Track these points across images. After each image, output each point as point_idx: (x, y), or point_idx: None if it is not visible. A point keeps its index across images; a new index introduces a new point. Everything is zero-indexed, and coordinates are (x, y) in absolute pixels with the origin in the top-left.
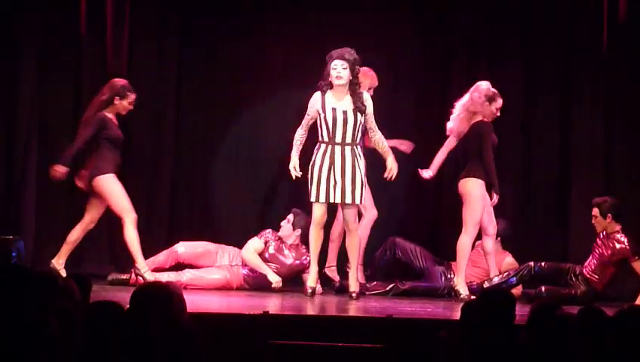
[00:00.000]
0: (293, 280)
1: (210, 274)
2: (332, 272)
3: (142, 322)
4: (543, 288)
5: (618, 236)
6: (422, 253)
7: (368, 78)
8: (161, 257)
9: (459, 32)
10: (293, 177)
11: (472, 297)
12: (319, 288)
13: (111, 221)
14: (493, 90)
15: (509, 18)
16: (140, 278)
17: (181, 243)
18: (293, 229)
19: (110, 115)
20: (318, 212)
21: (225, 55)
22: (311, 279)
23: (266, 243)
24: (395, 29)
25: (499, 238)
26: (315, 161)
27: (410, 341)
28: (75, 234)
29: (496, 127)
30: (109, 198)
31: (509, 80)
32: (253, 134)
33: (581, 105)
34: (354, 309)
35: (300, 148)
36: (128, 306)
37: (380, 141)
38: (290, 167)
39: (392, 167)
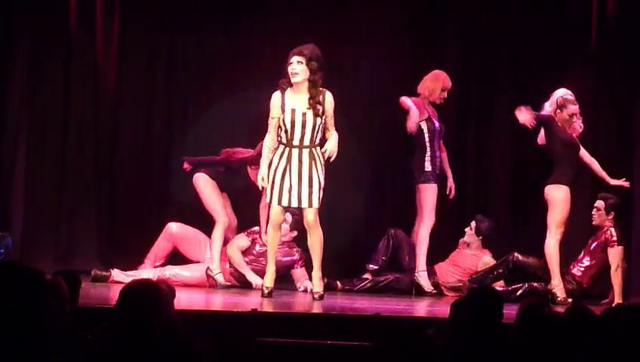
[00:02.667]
0: (282, 277)
1: (193, 270)
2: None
3: (130, 319)
4: (526, 285)
5: (611, 226)
6: (413, 250)
7: (440, 80)
8: (157, 243)
9: (449, 31)
10: (260, 188)
11: (463, 293)
12: (309, 286)
13: (99, 218)
14: (566, 97)
15: (499, 17)
16: (212, 279)
17: (172, 223)
18: (290, 230)
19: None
20: (275, 214)
21: (217, 50)
22: (268, 279)
23: (253, 240)
24: (385, 29)
25: (480, 237)
26: (272, 161)
27: (398, 339)
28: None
29: (487, 127)
30: None
31: (499, 77)
32: (245, 129)
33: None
34: (342, 307)
35: (271, 156)
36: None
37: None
38: (259, 177)
39: (328, 148)
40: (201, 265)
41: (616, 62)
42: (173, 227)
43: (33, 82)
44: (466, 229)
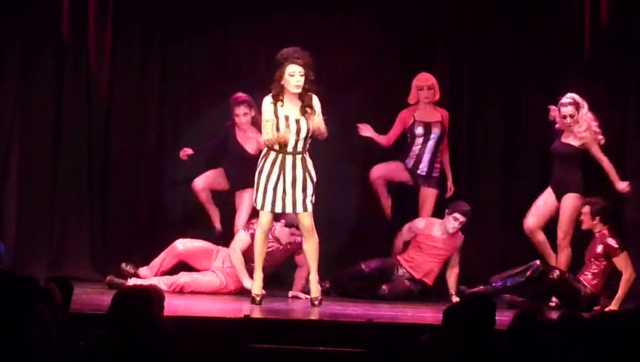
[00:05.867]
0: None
1: (206, 276)
2: None
3: (122, 324)
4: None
5: (606, 233)
6: (367, 263)
7: (413, 82)
8: (161, 257)
9: (441, 34)
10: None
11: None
12: (302, 296)
13: (92, 225)
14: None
15: (492, 22)
16: None
17: (180, 240)
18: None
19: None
20: (265, 219)
21: (208, 59)
22: (256, 286)
23: (252, 235)
24: (374, 27)
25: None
26: (263, 168)
27: (390, 345)
28: None
29: (479, 130)
30: None
31: (493, 80)
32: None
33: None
34: (334, 313)
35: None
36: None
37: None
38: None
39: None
40: (213, 273)
41: (609, 69)
42: (179, 246)
43: (25, 92)
44: (453, 224)
